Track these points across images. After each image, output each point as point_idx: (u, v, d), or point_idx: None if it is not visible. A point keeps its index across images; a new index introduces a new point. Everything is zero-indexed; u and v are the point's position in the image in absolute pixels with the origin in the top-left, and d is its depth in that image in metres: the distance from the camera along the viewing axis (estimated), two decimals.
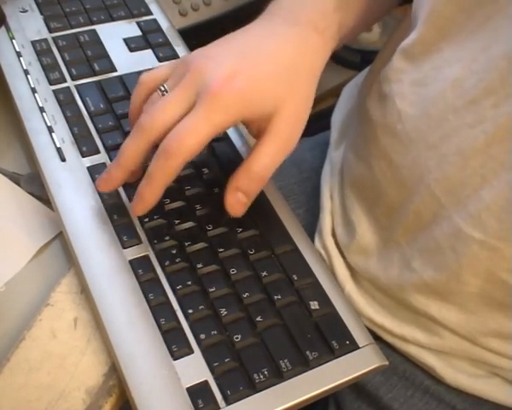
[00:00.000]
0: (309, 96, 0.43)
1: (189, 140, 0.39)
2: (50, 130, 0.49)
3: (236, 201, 0.41)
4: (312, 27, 0.45)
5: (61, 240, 0.46)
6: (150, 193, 0.40)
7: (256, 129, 0.42)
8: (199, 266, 0.42)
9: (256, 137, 0.42)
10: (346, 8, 0.47)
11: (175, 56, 0.56)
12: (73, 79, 0.53)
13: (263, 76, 0.41)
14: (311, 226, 0.57)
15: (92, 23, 0.58)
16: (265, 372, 0.38)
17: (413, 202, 0.45)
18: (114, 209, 0.44)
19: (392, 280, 0.48)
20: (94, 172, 0.46)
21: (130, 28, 0.58)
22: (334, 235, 0.55)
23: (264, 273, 0.43)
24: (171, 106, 0.40)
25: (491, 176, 0.40)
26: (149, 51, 0.56)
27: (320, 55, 0.45)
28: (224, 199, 0.41)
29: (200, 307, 0.40)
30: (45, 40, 0.55)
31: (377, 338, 0.50)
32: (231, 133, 0.51)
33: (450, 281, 0.44)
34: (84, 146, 0.48)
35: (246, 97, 0.40)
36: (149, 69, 0.53)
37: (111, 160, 0.47)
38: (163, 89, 0.42)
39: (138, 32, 0.58)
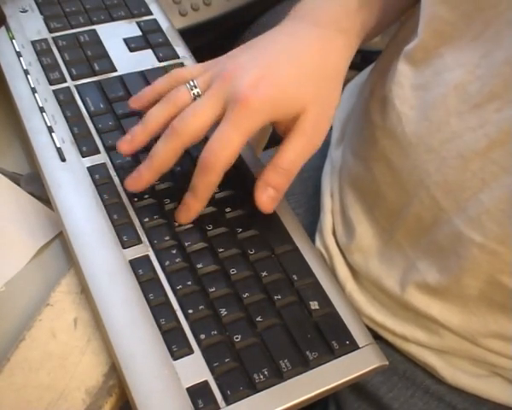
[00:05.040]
0: (334, 96, 0.44)
1: (224, 152, 0.41)
2: (50, 130, 0.49)
3: (267, 196, 0.43)
4: (336, 28, 0.46)
5: (61, 240, 0.46)
6: (195, 204, 0.43)
7: (284, 127, 0.43)
8: (199, 266, 0.42)
9: (283, 135, 0.43)
10: (368, 7, 0.48)
11: (175, 56, 0.56)
12: (73, 79, 0.53)
13: (287, 80, 0.43)
14: (312, 226, 0.57)
15: (92, 23, 0.58)
16: (265, 372, 0.38)
17: (413, 205, 0.45)
18: (114, 209, 0.44)
19: (394, 280, 0.48)
20: (94, 172, 0.46)
21: (130, 28, 0.58)
22: (334, 234, 0.55)
23: (264, 273, 0.43)
24: (202, 112, 0.42)
25: (490, 179, 0.40)
26: (149, 51, 0.56)
27: (344, 55, 0.46)
28: (254, 196, 0.43)
29: (200, 307, 0.40)
30: (45, 40, 0.55)
31: (378, 337, 0.50)
32: None
33: (451, 283, 0.44)
34: (84, 146, 0.48)
35: (271, 102, 0.41)
36: (151, 69, 0.54)
37: (111, 160, 0.47)
38: (192, 84, 0.44)
39: (138, 32, 0.57)
